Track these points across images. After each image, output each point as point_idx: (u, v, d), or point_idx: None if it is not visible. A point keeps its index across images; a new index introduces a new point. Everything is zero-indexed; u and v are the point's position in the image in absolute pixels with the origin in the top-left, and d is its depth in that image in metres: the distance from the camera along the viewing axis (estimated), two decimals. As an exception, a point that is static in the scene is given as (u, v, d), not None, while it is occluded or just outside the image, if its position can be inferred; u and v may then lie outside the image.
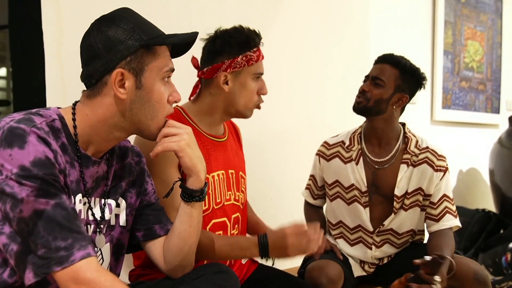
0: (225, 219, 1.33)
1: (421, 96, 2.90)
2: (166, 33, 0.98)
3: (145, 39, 0.93)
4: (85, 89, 0.97)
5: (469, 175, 3.33)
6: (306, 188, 1.79)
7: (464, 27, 3.21)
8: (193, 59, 1.32)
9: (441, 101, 3.05)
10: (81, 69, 0.96)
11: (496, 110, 3.58)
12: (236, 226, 1.38)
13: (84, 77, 0.95)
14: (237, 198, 1.39)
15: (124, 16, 0.94)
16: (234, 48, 1.27)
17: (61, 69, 1.41)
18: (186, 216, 1.04)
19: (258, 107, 1.36)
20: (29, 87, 1.43)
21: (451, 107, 3.14)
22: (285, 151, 2.17)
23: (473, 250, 2.79)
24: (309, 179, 1.78)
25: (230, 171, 1.37)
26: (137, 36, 0.92)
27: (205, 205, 1.28)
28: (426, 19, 2.95)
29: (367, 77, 1.64)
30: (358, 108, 1.61)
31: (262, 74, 1.34)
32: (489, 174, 3.09)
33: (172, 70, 0.99)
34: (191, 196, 1.03)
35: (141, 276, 1.30)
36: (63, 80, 1.41)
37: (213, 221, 1.30)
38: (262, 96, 1.35)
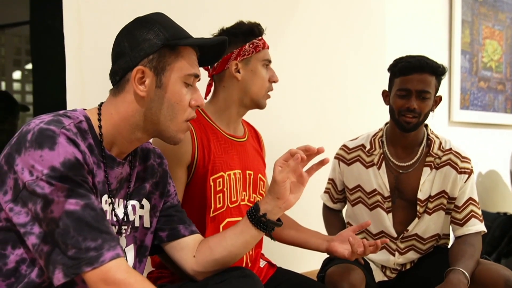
0: (240, 218, 1.31)
1: (439, 97, 2.87)
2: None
3: (170, 39, 0.94)
4: (112, 88, 0.99)
5: (488, 178, 3.27)
6: (325, 192, 1.75)
7: (482, 26, 3.16)
8: None
9: (459, 102, 3.00)
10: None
11: (516, 111, 3.51)
12: None
13: (111, 75, 0.97)
14: (252, 199, 1.38)
15: (155, 19, 0.96)
16: (240, 37, 1.33)
17: (81, 72, 1.41)
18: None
19: (269, 96, 1.38)
20: (50, 91, 1.44)
21: (469, 108, 3.09)
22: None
23: (495, 255, 2.73)
24: (328, 183, 1.74)
25: (248, 172, 1.37)
26: (161, 36, 0.94)
27: (219, 203, 1.29)
28: (443, 19, 2.91)
29: (407, 90, 1.51)
30: (410, 128, 1.53)
31: (270, 61, 1.38)
32: (510, 177, 3.03)
33: (197, 76, 0.99)
34: (273, 229, 1.05)
35: (160, 279, 1.29)
36: (83, 84, 1.41)
37: (228, 219, 1.30)
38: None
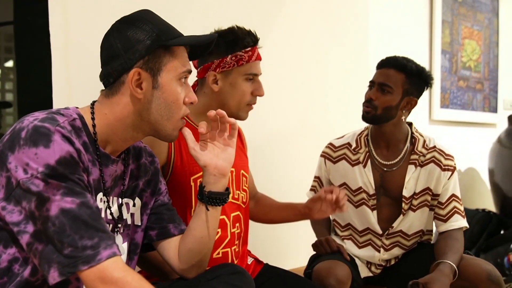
0: (223, 217, 1.32)
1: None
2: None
3: (163, 39, 0.94)
4: (103, 88, 0.97)
5: (467, 175, 3.34)
6: (311, 190, 1.77)
7: (461, 26, 3.23)
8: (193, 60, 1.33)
9: (440, 101, 3.06)
10: (100, 69, 0.96)
11: (494, 109, 3.60)
12: (237, 224, 1.37)
13: (103, 76, 0.96)
14: (236, 196, 1.37)
15: (144, 17, 0.95)
16: (222, 48, 1.26)
17: (68, 71, 1.40)
18: (212, 221, 1.04)
19: (250, 107, 1.34)
20: (34, 90, 1.42)
21: (449, 107, 3.15)
22: (287, 152, 2.16)
23: (474, 250, 2.79)
24: (314, 181, 1.76)
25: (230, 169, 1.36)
26: (155, 36, 0.93)
27: None
28: (423, 19, 2.97)
29: (372, 82, 1.59)
30: (367, 118, 1.57)
31: (256, 75, 1.32)
32: (488, 174, 3.10)
33: (190, 71, 0.99)
34: (223, 200, 1.04)
35: (149, 278, 1.28)
36: (69, 82, 1.40)
37: None
38: (258, 97, 1.34)
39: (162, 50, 0.94)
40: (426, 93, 3.00)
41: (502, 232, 2.91)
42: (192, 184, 1.27)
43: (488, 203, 3.18)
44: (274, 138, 2.10)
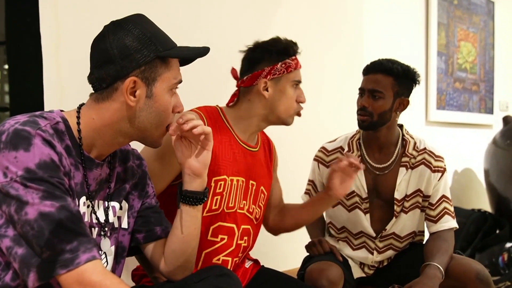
0: (233, 225, 1.32)
1: (416, 97, 2.92)
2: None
3: (161, 50, 0.94)
4: (93, 92, 0.97)
5: (463, 176, 3.35)
6: (306, 193, 1.77)
7: (457, 29, 3.24)
8: (233, 70, 1.37)
9: (436, 102, 3.07)
10: (90, 71, 0.96)
11: (490, 111, 3.61)
12: (245, 238, 1.36)
13: (95, 80, 0.95)
14: (251, 210, 1.37)
15: (140, 23, 0.95)
16: (274, 55, 1.32)
17: (59, 72, 1.40)
18: (192, 220, 1.04)
19: (299, 114, 1.39)
20: (27, 92, 1.42)
21: (445, 108, 3.16)
22: (285, 153, 2.17)
23: (469, 250, 2.80)
24: (308, 184, 1.76)
25: (251, 181, 1.37)
26: (153, 47, 0.93)
27: (215, 205, 1.28)
28: (419, 21, 2.97)
29: (362, 90, 1.59)
30: (364, 126, 1.57)
31: (300, 82, 1.37)
32: (484, 175, 3.11)
33: (180, 81, 1.00)
34: (200, 199, 1.04)
35: (145, 276, 1.29)
36: (61, 84, 1.40)
37: (220, 223, 1.30)
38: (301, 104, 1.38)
39: (159, 61, 0.95)
40: (422, 95, 3.05)
41: (497, 231, 2.92)
42: (213, 184, 1.27)
43: (485, 204, 3.19)
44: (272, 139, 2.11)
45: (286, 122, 1.37)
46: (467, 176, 3.38)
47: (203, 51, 1.00)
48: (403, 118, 2.93)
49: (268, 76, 1.31)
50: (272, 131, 2.11)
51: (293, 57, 1.34)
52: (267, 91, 1.32)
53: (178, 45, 1.00)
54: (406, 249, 1.67)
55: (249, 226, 1.37)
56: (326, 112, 2.35)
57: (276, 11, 2.13)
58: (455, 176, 3.28)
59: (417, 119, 2.94)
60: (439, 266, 1.44)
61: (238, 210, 1.33)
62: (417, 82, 1.62)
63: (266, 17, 2.09)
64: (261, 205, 1.42)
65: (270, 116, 1.35)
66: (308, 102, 2.28)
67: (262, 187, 1.40)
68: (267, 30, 2.06)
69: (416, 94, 3.01)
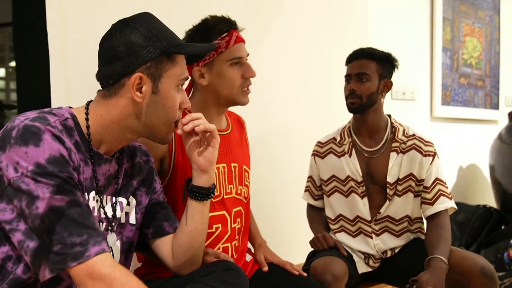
0: (224, 212, 1.33)
1: (421, 93, 2.92)
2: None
3: (167, 47, 0.95)
4: (101, 89, 0.98)
5: (469, 171, 3.34)
6: (306, 190, 1.81)
7: (462, 24, 3.23)
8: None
9: (441, 98, 3.06)
10: (98, 68, 0.97)
11: (495, 106, 3.59)
12: (238, 220, 1.38)
13: (102, 77, 0.96)
14: (239, 191, 1.38)
15: (146, 21, 0.96)
16: (197, 41, 1.25)
17: (66, 70, 1.41)
18: (199, 215, 1.06)
19: (247, 91, 1.32)
20: (34, 89, 1.44)
21: (450, 104, 3.15)
22: (289, 147, 2.18)
23: (475, 246, 2.80)
24: (308, 181, 1.81)
25: (232, 164, 1.37)
26: (158, 43, 0.95)
27: None
28: (424, 16, 2.96)
29: (348, 76, 1.68)
30: (354, 109, 1.65)
31: (240, 58, 1.30)
32: (489, 170, 3.10)
33: (187, 78, 1.02)
34: (206, 195, 1.05)
35: (147, 275, 1.30)
36: (67, 81, 1.41)
37: (211, 214, 1.29)
38: (251, 79, 1.32)
39: (164, 57, 0.96)
40: (427, 91, 3.04)
41: (502, 227, 2.91)
42: None
43: (490, 199, 3.18)
44: (275, 134, 2.13)
45: (238, 102, 1.31)
46: (473, 172, 3.37)
47: (208, 49, 1.02)
48: (409, 113, 2.93)
49: (200, 63, 1.27)
50: (278, 127, 2.13)
51: (222, 36, 1.27)
52: (204, 78, 1.28)
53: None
54: (410, 244, 1.68)
55: (240, 207, 1.38)
56: (334, 105, 2.34)
57: (281, 8, 2.13)
58: (460, 171, 3.28)
59: (422, 115, 2.94)
60: (442, 258, 1.46)
61: (225, 196, 1.34)
62: (397, 66, 1.71)
63: (270, 14, 2.09)
64: (247, 183, 1.42)
65: (220, 100, 1.31)
66: (316, 99, 2.30)
67: (244, 166, 1.41)
68: (271, 27, 2.08)
69: (421, 90, 3.02)
